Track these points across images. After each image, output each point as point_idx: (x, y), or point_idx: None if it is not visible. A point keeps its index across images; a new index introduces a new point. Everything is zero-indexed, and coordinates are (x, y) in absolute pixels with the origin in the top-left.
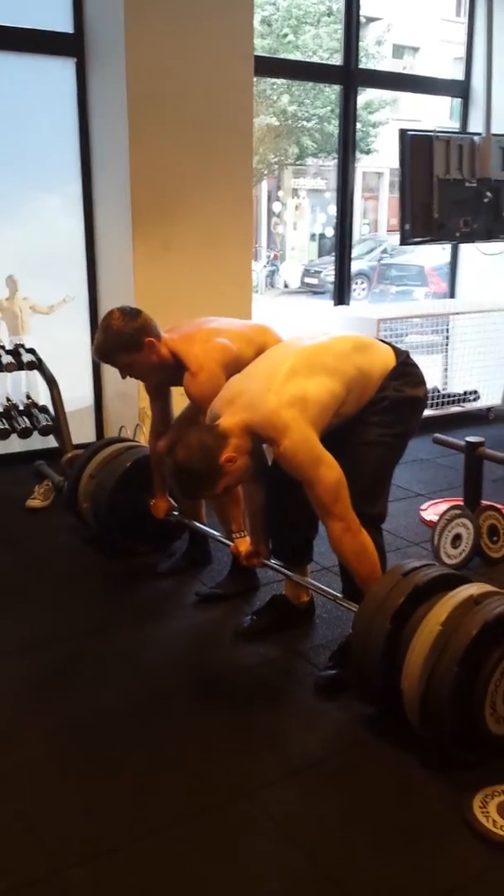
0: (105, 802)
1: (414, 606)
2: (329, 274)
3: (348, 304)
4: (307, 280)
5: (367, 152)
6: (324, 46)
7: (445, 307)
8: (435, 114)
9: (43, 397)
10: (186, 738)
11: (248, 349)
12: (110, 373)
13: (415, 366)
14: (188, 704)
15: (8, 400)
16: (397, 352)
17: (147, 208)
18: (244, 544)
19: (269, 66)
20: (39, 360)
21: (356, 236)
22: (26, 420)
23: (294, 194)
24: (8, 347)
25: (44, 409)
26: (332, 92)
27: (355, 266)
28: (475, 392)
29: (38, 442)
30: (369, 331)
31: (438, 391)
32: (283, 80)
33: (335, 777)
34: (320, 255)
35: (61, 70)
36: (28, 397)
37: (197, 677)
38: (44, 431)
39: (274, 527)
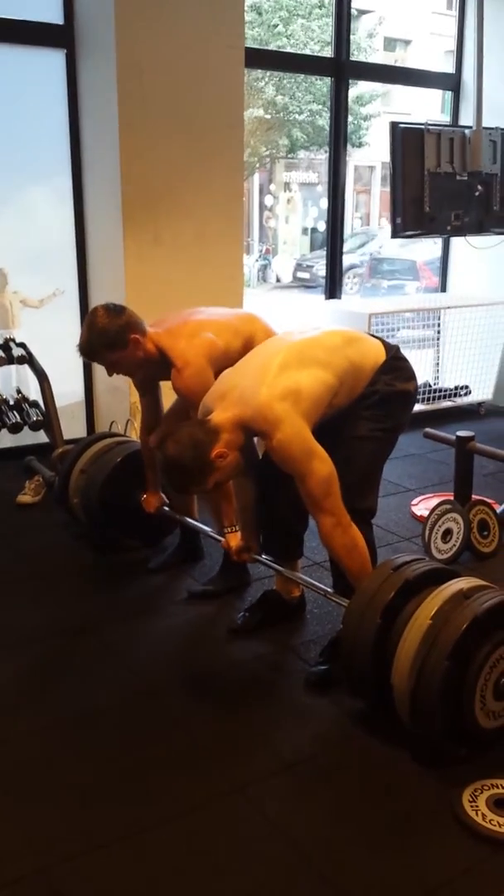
0: (95, 799)
1: (404, 601)
2: (321, 268)
3: (340, 298)
4: (299, 274)
5: (359, 146)
6: (315, 38)
7: (437, 301)
8: (426, 107)
9: (33, 392)
10: (178, 733)
11: (235, 340)
12: (101, 368)
13: (405, 360)
14: (179, 700)
15: None
16: (387, 346)
17: (137, 201)
18: (235, 539)
19: (260, 58)
20: (30, 354)
21: (348, 230)
22: (17, 415)
23: (286, 188)
24: None
25: (34, 404)
26: (323, 84)
27: (347, 260)
28: (466, 387)
29: (28, 437)
30: (361, 325)
31: (430, 386)
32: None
33: (326, 772)
34: (312, 249)
35: (51, 61)
36: (18, 392)
37: (188, 673)
38: (34, 426)
39: (264, 522)
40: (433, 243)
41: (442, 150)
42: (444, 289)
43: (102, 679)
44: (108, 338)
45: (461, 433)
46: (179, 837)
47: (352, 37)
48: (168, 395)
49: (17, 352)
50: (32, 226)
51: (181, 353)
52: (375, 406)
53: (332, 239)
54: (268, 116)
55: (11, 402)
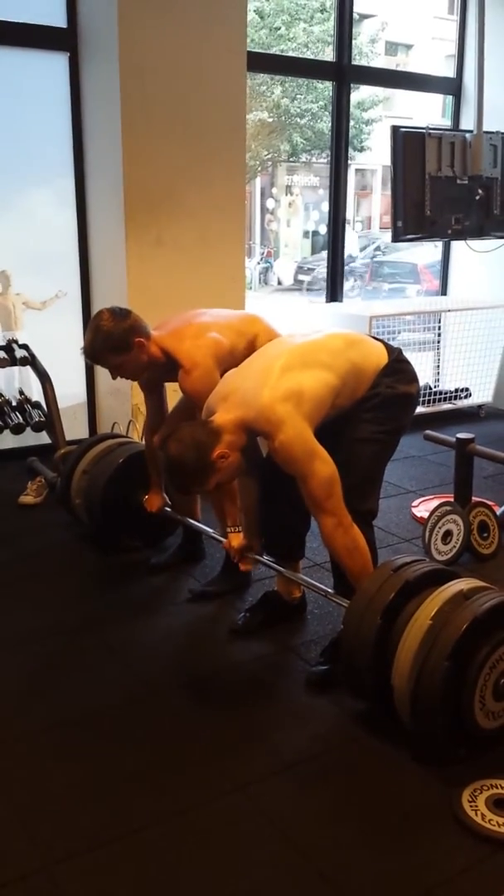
0: (96, 798)
1: (404, 602)
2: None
3: (341, 301)
4: (300, 277)
5: (361, 150)
6: (315, 38)
7: (437, 304)
8: (427, 111)
9: (36, 393)
10: (178, 733)
11: (239, 341)
12: (103, 370)
13: (407, 363)
14: (180, 700)
15: (1, 396)
16: (389, 349)
17: (140, 204)
18: (237, 539)
19: (262, 62)
20: (32, 355)
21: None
22: (19, 416)
23: (287, 191)
24: (1, 343)
25: (37, 406)
26: (324, 89)
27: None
28: (466, 389)
29: (30, 438)
30: (361, 328)
31: (430, 388)
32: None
33: (326, 772)
34: (313, 252)
35: (54, 65)
36: (21, 393)
37: (189, 673)
38: (37, 427)
39: (266, 522)
40: (434, 246)
41: (443, 154)
42: (444, 292)
43: (104, 679)
44: (113, 341)
45: (461, 435)
46: (180, 836)
47: (354, 41)
48: (171, 397)
49: (19, 353)
50: (35, 228)
51: (188, 355)
52: (377, 408)
53: (334, 242)
54: (270, 120)
55: (14, 404)
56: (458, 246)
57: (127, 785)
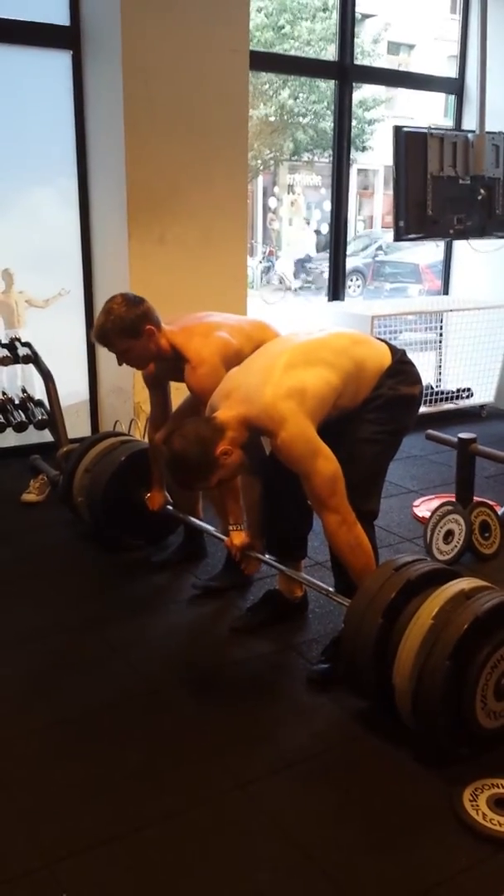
0: (98, 796)
1: (406, 601)
2: (324, 270)
3: (343, 300)
4: (302, 276)
5: (363, 149)
6: (317, 38)
7: (439, 304)
8: (429, 111)
9: (38, 391)
10: (179, 731)
11: (247, 344)
12: (106, 367)
13: (410, 364)
14: (181, 698)
15: (3, 394)
16: (393, 350)
17: (142, 202)
18: (239, 537)
19: (265, 61)
20: (35, 354)
21: (351, 233)
22: (22, 414)
23: (290, 190)
24: (3, 341)
25: (39, 404)
26: (327, 87)
27: (350, 263)
28: (468, 389)
29: (33, 436)
30: (363, 327)
31: (432, 388)
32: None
33: (327, 770)
34: (316, 251)
35: (57, 63)
36: (24, 391)
37: (190, 671)
38: (39, 425)
39: (269, 521)
40: (435, 246)
41: (445, 154)
42: (446, 291)
43: (105, 677)
44: (124, 325)
45: (463, 435)
46: (181, 835)
47: (356, 41)
48: (176, 397)
49: (22, 351)
50: (38, 226)
51: (196, 351)
52: (379, 409)
53: (336, 241)
54: (273, 119)
55: (17, 402)
56: (460, 246)
57: (128, 783)
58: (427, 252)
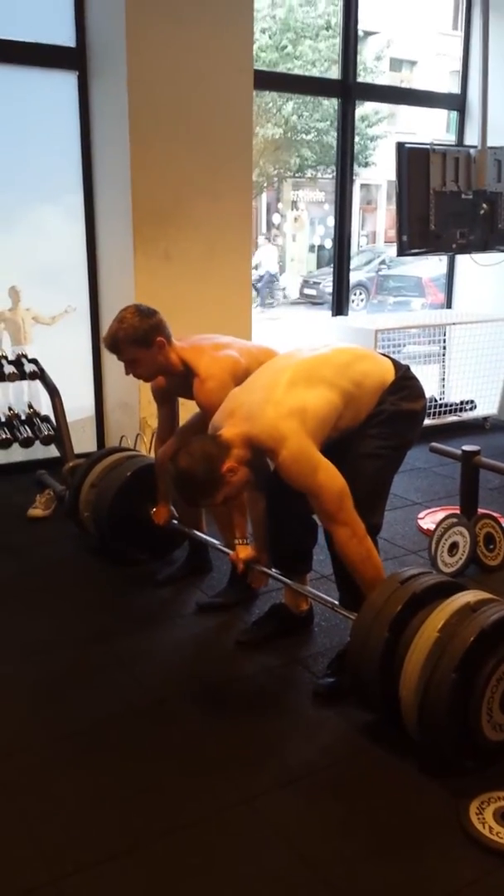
0: (104, 810)
1: (411, 614)
2: (328, 285)
3: (347, 314)
4: (306, 291)
5: (366, 165)
6: (322, 58)
7: (442, 318)
8: (432, 126)
9: (45, 407)
10: (186, 745)
11: (254, 365)
12: (112, 383)
13: (414, 379)
14: (188, 712)
15: (10, 409)
16: (397, 366)
17: (148, 220)
18: (245, 551)
19: (269, 80)
20: (42, 370)
21: (354, 248)
22: (28, 429)
23: (293, 206)
24: (10, 357)
25: (45, 419)
26: (330, 105)
27: (353, 277)
28: (472, 402)
29: (39, 451)
30: (367, 341)
31: (436, 401)
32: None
33: (333, 784)
34: (319, 266)
35: (63, 83)
36: (30, 407)
37: (196, 685)
38: (45, 441)
39: (273, 537)
40: (438, 260)
41: (447, 169)
42: (449, 305)
43: (112, 690)
44: (136, 334)
45: (467, 447)
46: (188, 849)
47: (359, 58)
48: (183, 414)
49: (29, 367)
50: (45, 243)
51: (206, 366)
52: (382, 424)
53: (339, 256)
54: (276, 136)
55: (23, 417)
56: (462, 260)
57: (135, 797)
58: (430, 266)
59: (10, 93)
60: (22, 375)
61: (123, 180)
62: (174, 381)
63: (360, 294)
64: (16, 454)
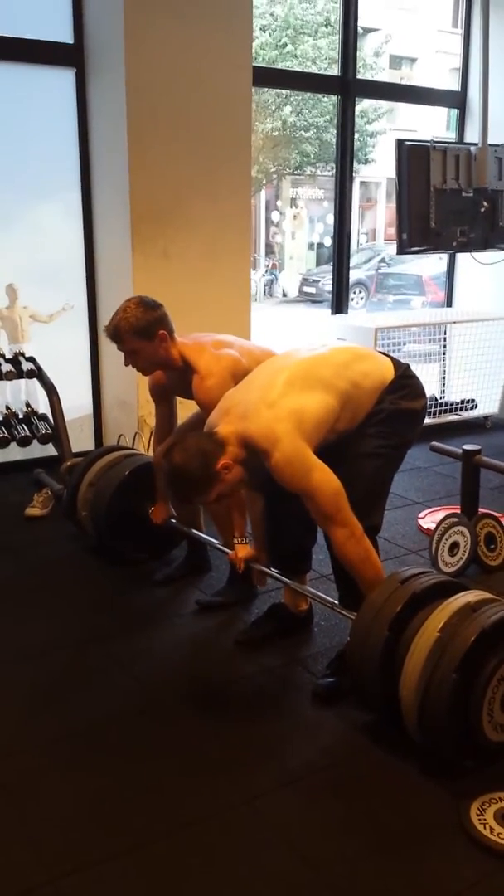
0: (103, 810)
1: (412, 614)
2: (327, 283)
3: (346, 312)
4: (305, 289)
5: (366, 162)
6: (322, 56)
7: (443, 316)
8: (432, 123)
9: (42, 405)
10: (185, 745)
11: (255, 367)
12: (110, 381)
13: (413, 378)
14: (187, 712)
15: (7, 408)
16: (397, 365)
17: (146, 217)
18: (244, 550)
19: (268, 77)
20: (39, 368)
21: (354, 245)
22: (26, 428)
23: (292, 204)
24: (8, 356)
25: (43, 418)
26: (329, 102)
27: (353, 275)
28: (472, 401)
29: (37, 450)
30: (367, 340)
31: (436, 400)
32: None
33: (334, 784)
34: (318, 264)
35: (61, 80)
36: (28, 405)
37: (195, 685)
38: (43, 439)
39: (272, 536)
40: (439, 258)
41: (448, 166)
42: (449, 303)
43: (110, 691)
44: (138, 325)
45: (467, 447)
46: (187, 849)
47: (358, 54)
48: (182, 413)
49: (26, 366)
50: (42, 241)
51: (206, 364)
52: (381, 423)
53: (339, 254)
54: (275, 133)
55: (21, 416)
56: (463, 258)
57: (134, 797)
58: (430, 264)
59: (8, 90)
60: (19, 374)
61: (121, 178)
62: (173, 377)
63: (360, 292)
64: (13, 453)
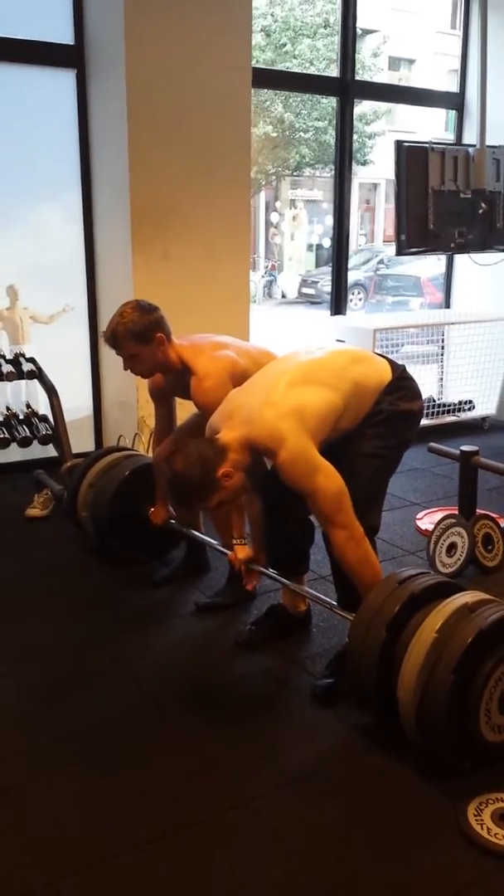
0: (102, 812)
1: (409, 615)
2: (326, 284)
3: (345, 314)
4: (304, 290)
5: (364, 163)
6: (321, 57)
7: (441, 317)
8: (430, 124)
9: (43, 406)
10: (183, 747)
11: (252, 367)
12: (110, 382)
13: (410, 379)
14: (185, 714)
15: (8, 409)
16: (394, 366)
17: (146, 219)
18: (243, 551)
19: (267, 78)
20: (39, 369)
21: (353, 247)
22: (26, 429)
23: (291, 205)
24: (8, 357)
25: (43, 419)
26: (328, 103)
27: (352, 277)
28: (470, 402)
29: (37, 451)
30: (365, 341)
31: (434, 401)
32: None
33: (331, 786)
34: (317, 265)
35: (62, 81)
36: (28, 406)
37: (194, 686)
38: (43, 440)
39: (270, 537)
40: (437, 259)
41: (446, 168)
42: (448, 305)
43: (109, 692)
44: (135, 330)
45: (465, 448)
46: (185, 851)
47: (357, 56)
48: (181, 414)
49: (26, 367)
50: (43, 243)
51: (203, 365)
52: (380, 424)
53: (338, 255)
54: (274, 134)
55: (21, 417)
56: (461, 259)
57: (133, 799)
58: (429, 265)
59: (9, 91)
60: (20, 375)
61: (122, 179)
62: (172, 379)
63: (359, 293)
64: (14, 454)
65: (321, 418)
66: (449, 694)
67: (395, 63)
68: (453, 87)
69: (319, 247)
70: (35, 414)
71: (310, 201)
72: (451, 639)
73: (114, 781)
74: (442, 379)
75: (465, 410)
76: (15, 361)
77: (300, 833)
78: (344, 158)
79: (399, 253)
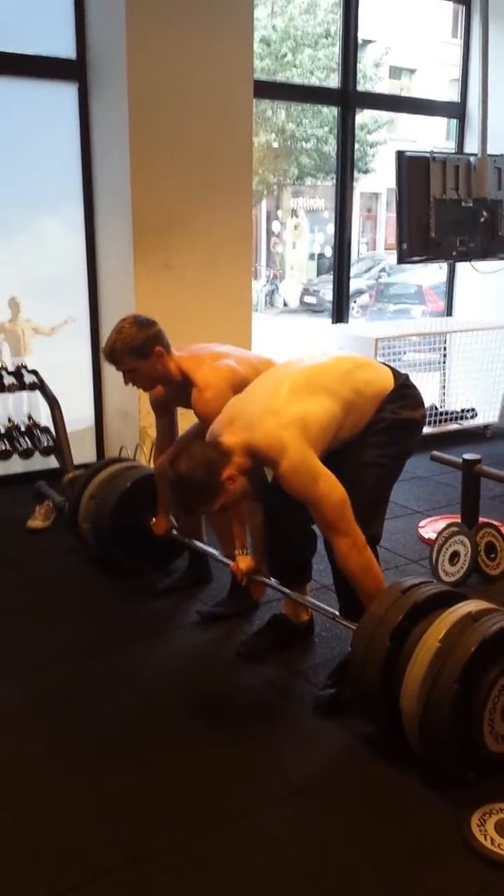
0: (103, 824)
1: (412, 624)
2: (328, 293)
3: (347, 322)
4: (306, 299)
5: (366, 172)
6: (322, 67)
7: (443, 325)
8: (431, 133)
9: (44, 418)
10: (186, 758)
11: (252, 375)
12: (111, 393)
13: (413, 388)
14: (188, 724)
15: (10, 420)
16: (396, 374)
17: (148, 230)
18: (245, 561)
19: (269, 89)
20: (41, 380)
21: (354, 255)
22: (28, 440)
23: (293, 214)
24: (10, 368)
25: (45, 430)
26: (329, 112)
27: (353, 285)
28: (472, 410)
29: (39, 462)
30: (367, 349)
31: (436, 409)
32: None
33: (335, 796)
34: (319, 274)
35: (64, 94)
36: (30, 418)
37: (196, 697)
38: (45, 452)
39: (272, 547)
40: (439, 268)
41: (447, 177)
42: (449, 313)
43: (111, 703)
44: (133, 345)
45: (468, 456)
46: (188, 862)
47: (358, 66)
48: (183, 424)
49: (28, 378)
50: (45, 254)
51: (204, 376)
52: (381, 433)
53: (339, 264)
54: (276, 145)
55: (23, 428)
56: (463, 267)
57: (134, 811)
58: (430, 273)
59: (11, 104)
60: (22, 386)
61: (123, 190)
62: (173, 390)
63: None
64: (15, 465)
65: (323, 428)
66: (452, 703)
67: (396, 72)
68: (454, 96)
69: (321, 255)
70: (37, 425)
71: (311, 210)
72: (455, 648)
73: (115, 793)
74: (444, 387)
75: (467, 418)
76: (17, 373)
77: (303, 844)
78: (345, 167)
79: (401, 261)
